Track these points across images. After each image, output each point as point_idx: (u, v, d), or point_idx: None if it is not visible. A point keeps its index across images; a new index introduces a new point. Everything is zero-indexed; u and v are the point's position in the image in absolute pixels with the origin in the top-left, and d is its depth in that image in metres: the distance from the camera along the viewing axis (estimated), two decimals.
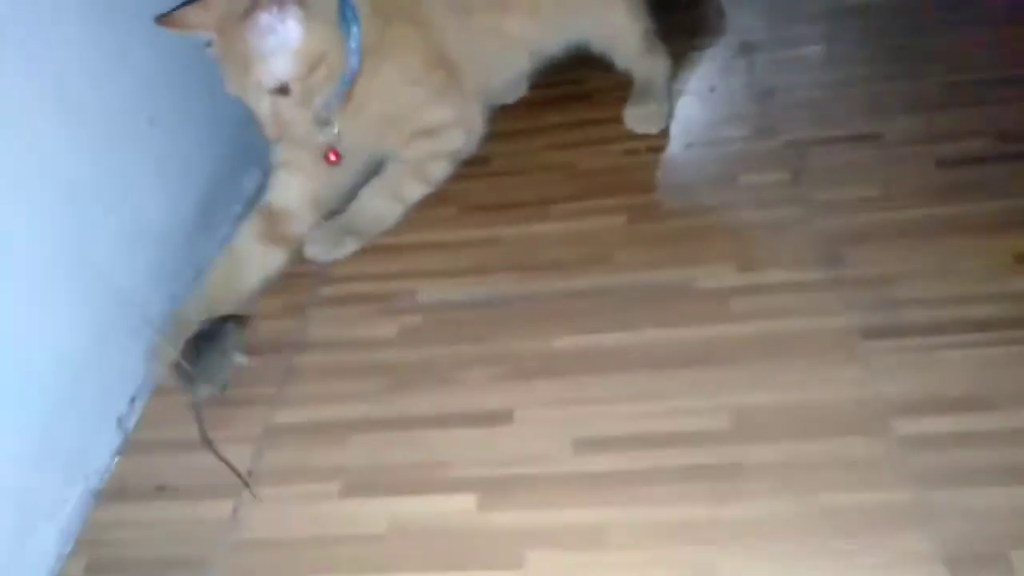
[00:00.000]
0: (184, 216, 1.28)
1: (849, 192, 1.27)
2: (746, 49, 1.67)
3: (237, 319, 1.14)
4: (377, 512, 0.95)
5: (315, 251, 1.29)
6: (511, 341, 1.13)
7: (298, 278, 1.28)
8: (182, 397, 1.07)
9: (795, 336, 1.06)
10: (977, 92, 1.43)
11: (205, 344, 1.08)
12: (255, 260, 1.25)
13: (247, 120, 1.16)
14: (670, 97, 1.51)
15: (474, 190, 1.42)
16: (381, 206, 1.33)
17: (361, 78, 1.19)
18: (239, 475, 0.98)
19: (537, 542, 0.89)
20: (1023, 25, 1.56)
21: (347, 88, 1.19)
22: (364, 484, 0.98)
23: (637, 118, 1.48)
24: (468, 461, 0.99)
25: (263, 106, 1.11)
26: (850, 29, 1.68)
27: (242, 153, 1.47)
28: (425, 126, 1.31)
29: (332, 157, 1.25)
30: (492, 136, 1.46)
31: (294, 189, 1.29)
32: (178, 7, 1.10)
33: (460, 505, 0.94)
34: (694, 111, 1.54)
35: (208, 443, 1.01)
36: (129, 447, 1.08)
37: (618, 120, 1.50)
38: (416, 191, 1.35)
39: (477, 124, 1.38)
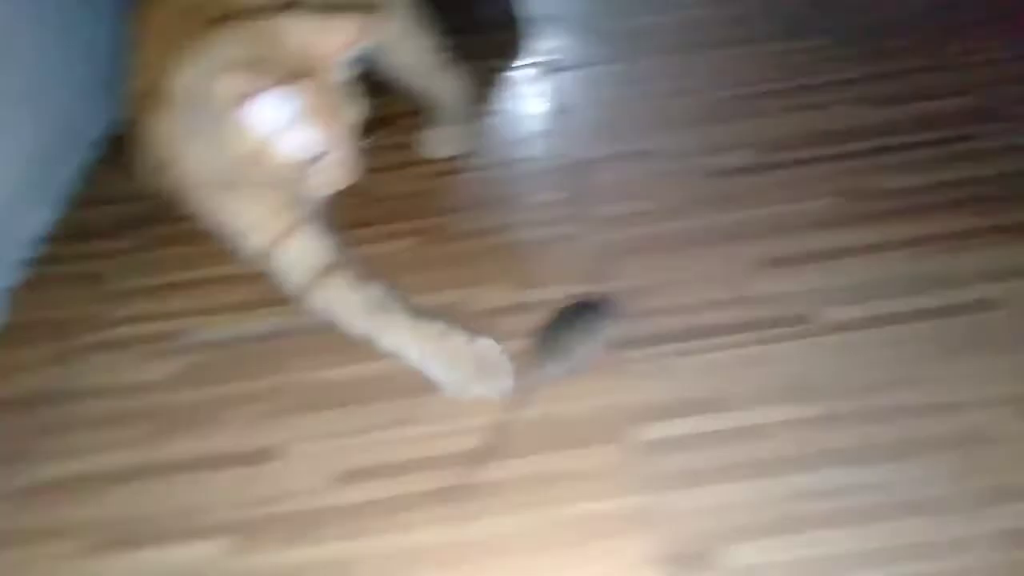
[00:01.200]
0: None
1: (622, 208, 1.34)
2: (547, 70, 1.73)
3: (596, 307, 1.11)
4: (122, 568, 0.93)
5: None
6: (286, 375, 1.13)
7: (66, 324, 1.24)
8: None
9: None
10: (747, 105, 1.53)
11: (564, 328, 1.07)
12: None
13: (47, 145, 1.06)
14: (472, 119, 1.54)
15: None
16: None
17: None
18: None
19: None
20: (798, 41, 1.68)
21: None
22: (115, 539, 0.96)
23: (432, 141, 1.50)
24: (227, 504, 0.98)
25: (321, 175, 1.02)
26: (644, 48, 1.76)
27: (36, 186, 1.41)
28: None
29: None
30: None
31: None
32: None
33: (212, 550, 0.93)
34: (492, 132, 1.58)
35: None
36: None
37: (405, 146, 1.52)
38: None
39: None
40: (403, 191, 1.45)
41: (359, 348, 1.14)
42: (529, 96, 1.67)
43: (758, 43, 1.70)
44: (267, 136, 0.95)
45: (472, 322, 1.14)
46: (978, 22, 1.65)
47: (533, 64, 1.75)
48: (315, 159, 0.99)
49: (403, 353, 1.08)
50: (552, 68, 1.73)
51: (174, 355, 1.18)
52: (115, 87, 1.20)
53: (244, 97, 0.90)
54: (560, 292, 1.18)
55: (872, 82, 1.54)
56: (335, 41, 0.96)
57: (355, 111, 1.02)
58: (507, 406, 1.03)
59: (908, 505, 0.88)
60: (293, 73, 0.92)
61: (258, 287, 1.27)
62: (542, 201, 1.38)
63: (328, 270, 1.13)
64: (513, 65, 1.75)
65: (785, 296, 1.14)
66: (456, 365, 1.06)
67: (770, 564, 0.85)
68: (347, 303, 1.11)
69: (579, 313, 1.10)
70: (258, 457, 1.03)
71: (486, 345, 1.07)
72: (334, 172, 1.02)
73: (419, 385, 1.07)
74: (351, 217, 1.39)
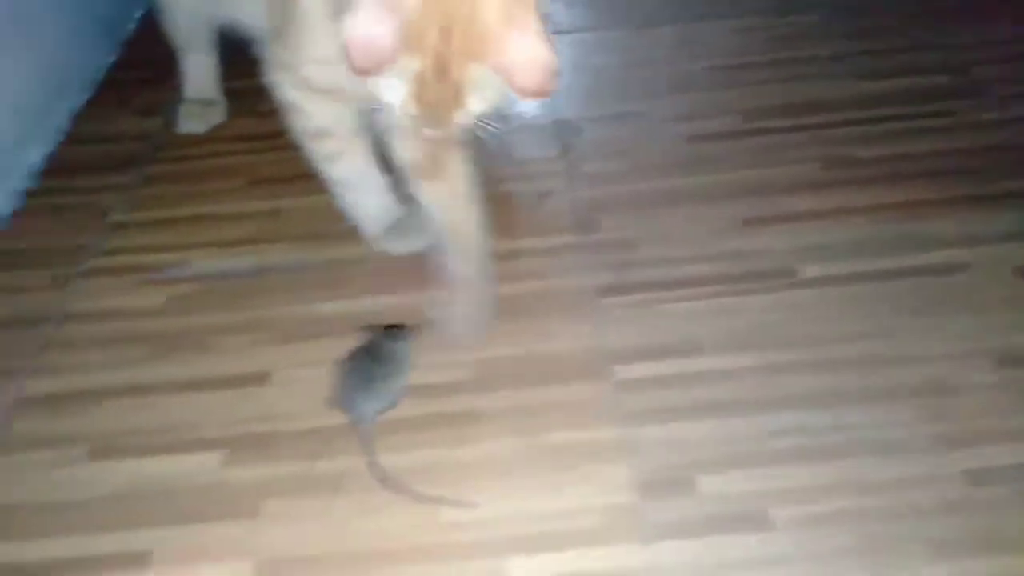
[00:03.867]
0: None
1: (609, 165, 1.38)
2: None
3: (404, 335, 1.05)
4: (118, 474, 0.96)
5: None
6: (276, 308, 1.16)
7: (64, 251, 1.26)
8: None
9: (540, 296, 1.15)
10: (732, 75, 1.57)
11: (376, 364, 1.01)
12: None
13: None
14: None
15: (259, 164, 1.43)
16: None
17: None
18: None
19: (275, 493, 0.93)
20: (786, 16, 1.72)
21: None
22: (110, 448, 0.98)
23: None
24: (219, 422, 1.01)
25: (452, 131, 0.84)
26: (630, 15, 1.79)
27: (30, 123, 1.42)
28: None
29: None
30: (277, 113, 1.47)
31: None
32: None
33: (204, 463, 0.97)
34: None
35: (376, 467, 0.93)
36: None
37: None
38: None
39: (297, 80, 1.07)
40: None
41: (345, 286, 1.18)
42: None
43: (747, 17, 1.74)
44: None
45: None
46: (962, 5, 1.70)
47: None
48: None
49: (343, 191, 1.17)
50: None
51: (166, 285, 1.20)
52: (110, 27, 1.20)
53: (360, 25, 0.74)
54: (540, 242, 1.22)
55: (856, 57, 1.59)
56: (526, 73, 0.76)
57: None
58: (487, 343, 1.06)
59: (872, 445, 0.93)
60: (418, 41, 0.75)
61: (246, 226, 1.30)
62: (530, 157, 1.42)
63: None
64: None
65: (761, 253, 1.19)
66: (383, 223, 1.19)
67: (741, 493, 0.90)
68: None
69: (382, 346, 1.03)
70: (247, 381, 1.06)
71: (411, 211, 1.17)
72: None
73: (417, 319, 1.11)
74: None
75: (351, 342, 1.08)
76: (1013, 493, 0.87)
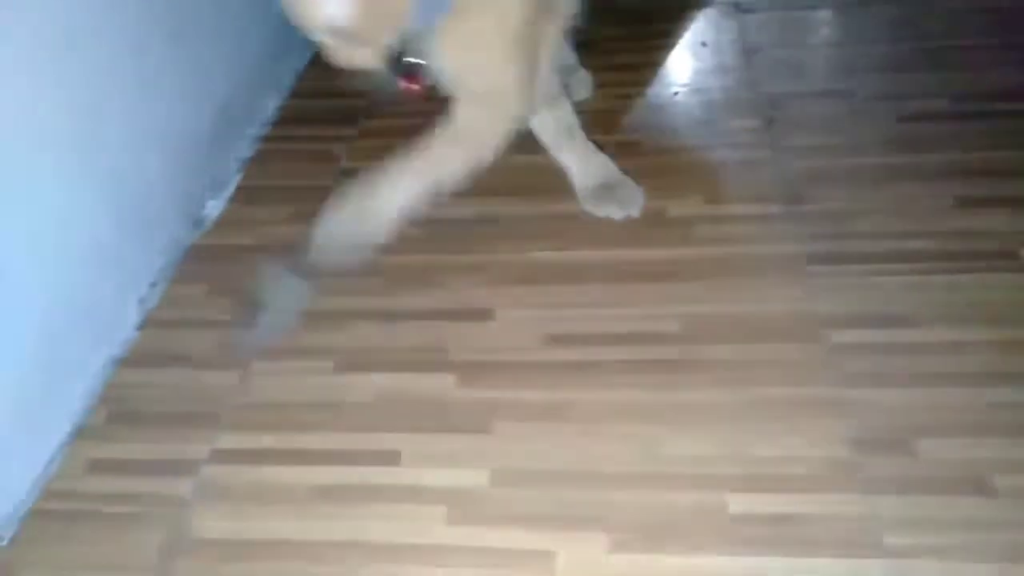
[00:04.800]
0: (202, 128, 1.39)
1: (815, 139, 1.39)
2: (737, 9, 1.77)
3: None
4: (365, 384, 1.08)
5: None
6: (495, 253, 1.25)
7: (300, 191, 1.40)
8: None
9: (748, 259, 1.18)
10: (940, 57, 1.54)
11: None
12: None
13: (271, 44, 1.23)
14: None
15: None
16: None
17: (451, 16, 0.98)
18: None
19: (505, 414, 1.02)
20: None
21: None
22: (355, 363, 1.11)
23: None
24: (450, 348, 1.11)
25: (325, 44, 0.96)
26: None
27: (265, 77, 1.58)
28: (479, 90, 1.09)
29: (411, 85, 1.01)
30: None
31: None
32: None
33: (441, 382, 1.07)
34: (684, 63, 1.64)
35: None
36: (150, 323, 1.21)
37: (607, 68, 1.60)
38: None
39: (521, 113, 1.14)
40: (601, 107, 1.54)
41: (558, 237, 1.25)
42: (721, 33, 1.72)
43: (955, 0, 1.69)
44: None
45: (667, 227, 1.24)
46: None
47: (726, 4, 1.79)
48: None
49: (569, 167, 1.29)
50: (742, 9, 1.77)
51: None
52: None
53: None
54: (747, 208, 1.26)
55: None
56: None
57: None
58: (695, 299, 1.12)
59: None
60: None
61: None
62: (735, 127, 1.45)
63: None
64: (707, 4, 1.80)
65: (980, 233, 1.17)
66: (602, 190, 1.28)
67: (961, 459, 0.91)
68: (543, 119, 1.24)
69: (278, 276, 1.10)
70: (473, 315, 1.16)
71: (629, 183, 1.28)
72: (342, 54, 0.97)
73: (628, 272, 1.17)
74: None
75: (562, 289, 1.16)
76: None
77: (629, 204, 1.29)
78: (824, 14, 1.74)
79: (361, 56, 0.97)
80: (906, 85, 1.48)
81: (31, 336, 1.01)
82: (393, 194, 1.12)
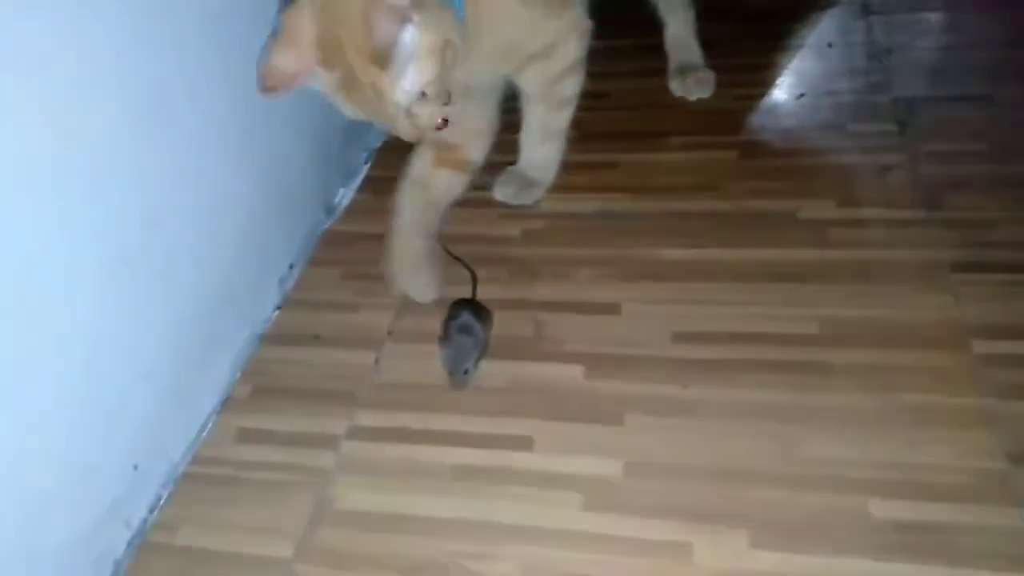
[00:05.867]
0: (336, 120, 1.44)
1: (953, 145, 1.34)
2: (865, 11, 1.73)
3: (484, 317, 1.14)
4: (498, 371, 1.10)
5: (505, 195, 1.38)
6: (622, 249, 1.26)
7: None
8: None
9: (886, 264, 1.16)
10: None
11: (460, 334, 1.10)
12: (442, 184, 1.28)
13: None
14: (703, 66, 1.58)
15: (593, 120, 1.52)
16: (543, 152, 1.35)
17: (467, 14, 1.01)
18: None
19: (634, 407, 1.03)
20: None
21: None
22: (491, 349, 1.13)
23: (685, 86, 1.57)
24: (578, 340, 1.13)
25: (402, 119, 0.97)
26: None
27: None
28: (539, 48, 1.18)
29: (440, 124, 1.01)
30: (609, 75, 1.58)
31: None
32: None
33: (570, 372, 1.09)
34: (810, 64, 1.62)
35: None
36: (288, 303, 1.27)
37: (731, 68, 1.59)
38: (562, 118, 1.30)
39: (584, 24, 1.21)
40: (719, 107, 1.53)
41: (683, 235, 1.25)
42: (849, 34, 1.68)
43: None
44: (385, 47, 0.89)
45: (799, 229, 1.22)
46: None
47: (854, 4, 1.75)
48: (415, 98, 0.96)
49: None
50: (870, 10, 1.73)
51: (524, 218, 1.34)
52: None
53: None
54: (883, 213, 1.23)
55: None
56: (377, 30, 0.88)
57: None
58: (836, 303, 1.10)
59: None
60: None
61: (591, 176, 1.41)
62: (866, 131, 1.41)
63: None
64: (834, 4, 1.77)
65: None
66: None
67: None
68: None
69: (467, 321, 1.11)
70: (600, 309, 1.17)
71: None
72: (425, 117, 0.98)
73: (759, 272, 1.17)
74: (671, 125, 1.50)
75: (691, 286, 1.16)
76: None
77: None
78: (956, 16, 1.69)
79: (435, 112, 0.99)
80: None
81: (189, 313, 1.07)
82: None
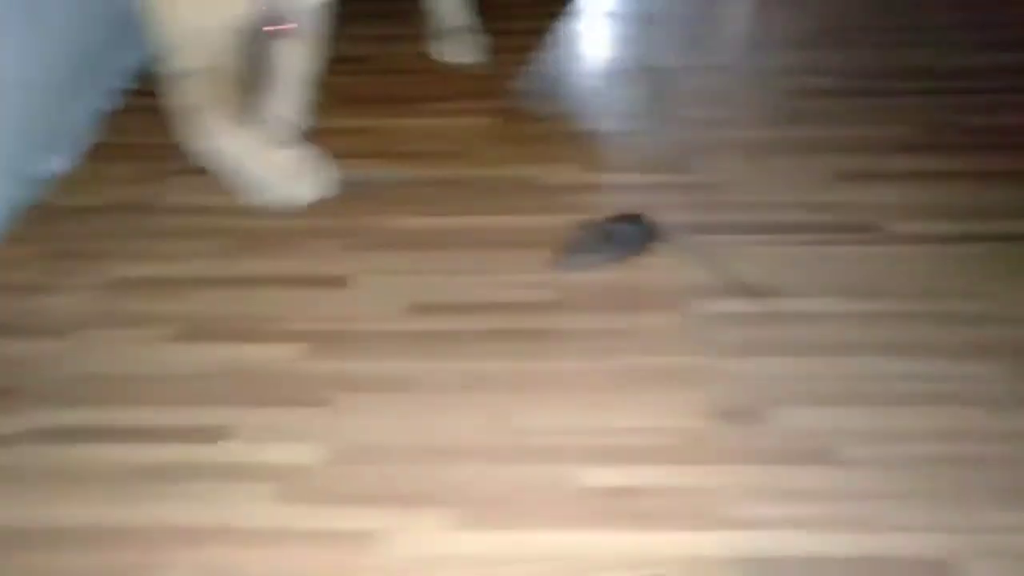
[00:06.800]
0: (49, 80, 1.27)
1: (703, 111, 1.36)
2: None
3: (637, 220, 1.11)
4: (207, 355, 0.99)
5: None
6: (363, 217, 1.18)
7: (152, 149, 1.29)
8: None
9: None
10: (840, 37, 1.54)
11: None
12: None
13: None
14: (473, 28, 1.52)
15: (349, 84, 1.45)
16: None
17: None
18: None
19: (350, 387, 0.95)
20: None
21: None
22: (195, 332, 1.01)
23: (454, 49, 1.51)
24: (300, 317, 1.03)
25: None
26: None
27: (127, 30, 1.46)
28: None
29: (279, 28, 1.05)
30: (370, 38, 1.50)
31: None
32: None
33: (283, 353, 0.99)
34: (585, 31, 1.59)
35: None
36: None
37: (502, 32, 1.54)
38: None
39: None
40: (480, 72, 1.48)
41: (434, 204, 1.19)
42: (617, 3, 1.68)
43: None
44: None
45: (542, 195, 1.18)
46: None
47: None
48: None
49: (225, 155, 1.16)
50: None
51: None
52: None
53: None
54: (627, 178, 1.21)
55: (967, 30, 1.53)
56: None
57: None
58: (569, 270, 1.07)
59: (949, 396, 0.91)
60: None
61: (339, 142, 1.32)
62: (624, 97, 1.41)
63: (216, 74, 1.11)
64: None
65: (854, 206, 1.16)
66: (272, 170, 1.17)
67: (813, 429, 0.88)
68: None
69: (630, 222, 1.11)
70: (330, 282, 1.08)
71: (300, 154, 1.17)
72: None
73: (498, 240, 1.11)
74: (429, 90, 1.44)
75: (429, 255, 1.09)
76: None
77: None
78: None
79: None
80: (802, 62, 1.48)
81: None
82: None
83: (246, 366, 0.98)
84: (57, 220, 1.19)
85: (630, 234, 1.10)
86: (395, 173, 1.25)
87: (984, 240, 1.10)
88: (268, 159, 1.16)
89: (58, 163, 1.28)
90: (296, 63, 1.19)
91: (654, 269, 1.07)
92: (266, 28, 0.99)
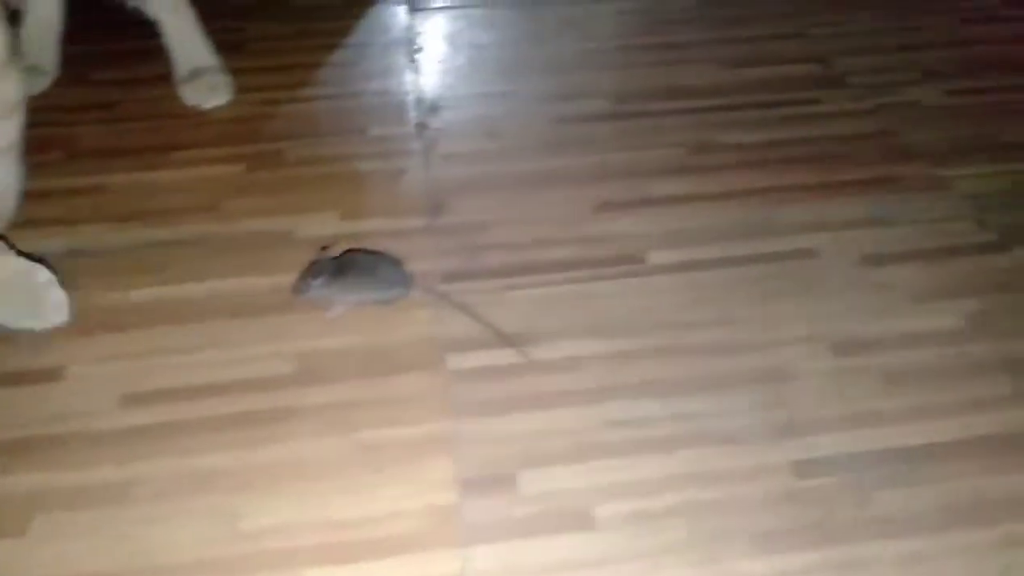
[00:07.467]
0: None
1: (469, 145, 1.31)
2: (411, 8, 1.67)
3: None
4: None
5: None
6: (87, 294, 1.04)
7: None
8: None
9: None
10: (607, 58, 1.54)
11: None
12: None
13: None
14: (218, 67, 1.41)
15: (88, 135, 1.30)
16: None
17: None
18: None
19: (50, 504, 0.82)
20: (661, 2, 1.70)
21: None
22: None
23: (197, 93, 1.38)
24: (1, 424, 0.89)
25: None
26: None
27: None
28: None
29: None
30: (122, 82, 1.37)
31: None
32: None
33: None
34: (340, 64, 1.51)
35: None
36: None
37: (263, 70, 1.44)
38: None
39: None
40: (239, 115, 1.38)
41: (169, 271, 1.07)
42: (390, 32, 1.61)
43: (621, 1, 1.70)
44: None
45: (293, 250, 1.09)
46: None
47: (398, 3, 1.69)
48: None
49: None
50: (414, 7, 1.68)
51: None
52: None
53: None
54: (386, 223, 1.15)
55: (729, 45, 1.57)
56: None
57: None
58: (318, 333, 0.98)
59: (706, 435, 0.89)
60: None
61: (69, 205, 1.18)
62: (383, 134, 1.34)
63: None
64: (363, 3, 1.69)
65: (613, 238, 1.14)
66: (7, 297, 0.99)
67: (563, 490, 0.84)
68: None
69: (380, 262, 1.05)
70: (41, 377, 0.95)
71: (39, 276, 1.00)
72: None
73: (243, 305, 1.02)
74: (181, 137, 1.32)
75: (154, 332, 0.98)
76: (839, 483, 0.84)
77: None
78: (499, 13, 1.69)
79: None
80: (567, 86, 1.46)
81: None
82: None
83: None
84: None
85: (377, 269, 1.03)
86: (127, 237, 1.12)
87: (745, 263, 1.10)
88: None
89: None
90: None
91: (406, 324, 1.01)
92: None
